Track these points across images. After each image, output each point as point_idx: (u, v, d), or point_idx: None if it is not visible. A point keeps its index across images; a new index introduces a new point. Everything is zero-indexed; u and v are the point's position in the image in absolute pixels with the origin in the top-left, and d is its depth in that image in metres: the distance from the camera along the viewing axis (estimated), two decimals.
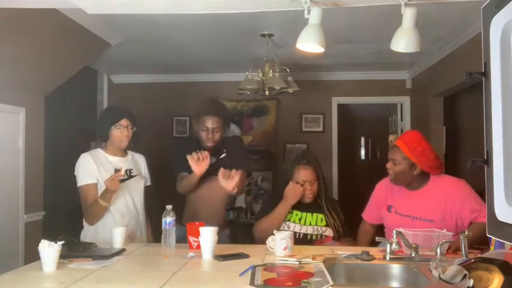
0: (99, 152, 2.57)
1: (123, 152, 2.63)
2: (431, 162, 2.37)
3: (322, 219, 2.63)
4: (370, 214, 2.65)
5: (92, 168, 2.47)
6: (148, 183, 2.73)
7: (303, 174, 2.61)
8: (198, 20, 3.52)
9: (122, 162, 2.56)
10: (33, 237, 3.23)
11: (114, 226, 2.38)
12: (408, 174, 2.39)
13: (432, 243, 2.12)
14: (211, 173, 2.74)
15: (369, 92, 5.80)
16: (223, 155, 2.80)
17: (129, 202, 2.56)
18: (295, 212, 2.64)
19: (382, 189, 2.60)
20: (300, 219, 2.62)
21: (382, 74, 5.68)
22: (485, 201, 1.19)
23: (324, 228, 2.60)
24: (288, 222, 2.61)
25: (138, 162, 2.70)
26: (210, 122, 2.75)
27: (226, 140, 2.93)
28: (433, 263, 1.61)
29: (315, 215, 2.63)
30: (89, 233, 2.49)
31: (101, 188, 2.43)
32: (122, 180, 2.42)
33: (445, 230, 2.16)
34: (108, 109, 2.62)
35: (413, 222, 2.36)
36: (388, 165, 2.44)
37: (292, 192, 2.58)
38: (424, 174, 2.40)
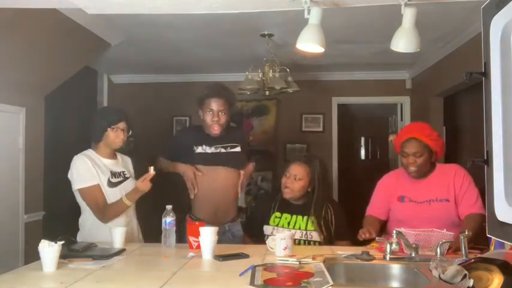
0: (92, 153, 2.54)
1: (114, 155, 2.61)
2: (444, 144, 2.50)
3: (313, 222, 2.58)
4: (376, 210, 2.61)
5: (92, 170, 2.46)
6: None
7: (292, 168, 2.61)
8: (198, 20, 3.53)
9: (115, 165, 2.57)
10: (33, 237, 3.23)
11: (112, 228, 2.39)
12: (429, 162, 2.47)
13: (432, 243, 2.12)
14: (218, 162, 2.73)
15: (369, 92, 5.80)
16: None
17: None
18: (284, 215, 2.62)
19: (388, 183, 2.62)
20: (288, 223, 2.60)
21: (382, 74, 5.68)
22: (485, 201, 1.19)
23: (313, 233, 2.56)
24: (277, 228, 2.57)
25: (127, 163, 2.70)
26: (215, 104, 2.68)
27: (232, 131, 2.89)
28: (433, 263, 1.61)
29: (305, 217, 2.59)
30: (85, 235, 2.48)
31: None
32: (119, 182, 2.50)
33: (444, 230, 2.16)
34: (106, 110, 2.60)
35: (431, 206, 2.42)
36: (411, 160, 2.43)
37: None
38: (433, 163, 2.50)
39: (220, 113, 2.69)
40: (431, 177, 2.50)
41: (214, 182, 2.73)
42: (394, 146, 2.61)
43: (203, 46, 4.40)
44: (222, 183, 2.74)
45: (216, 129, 2.70)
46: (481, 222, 2.27)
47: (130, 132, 2.57)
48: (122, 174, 2.57)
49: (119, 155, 2.66)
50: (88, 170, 2.45)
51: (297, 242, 2.51)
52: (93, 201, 2.44)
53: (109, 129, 2.49)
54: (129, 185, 2.55)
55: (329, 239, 2.57)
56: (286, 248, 2.09)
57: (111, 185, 2.49)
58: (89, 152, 2.55)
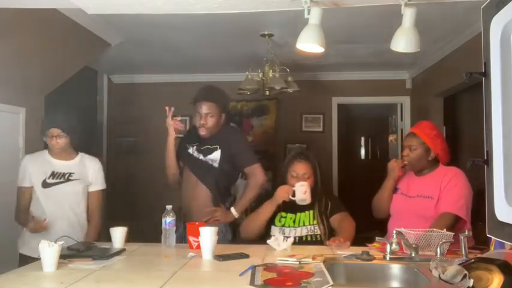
0: (44, 153, 2.65)
1: (70, 155, 2.67)
2: (444, 145, 2.54)
3: (315, 216, 2.60)
4: None
5: (27, 171, 2.59)
6: (98, 188, 2.74)
7: (298, 167, 2.61)
8: (198, 20, 3.53)
9: (65, 166, 2.63)
10: None
11: (48, 230, 2.48)
12: (424, 159, 2.51)
13: (432, 243, 2.12)
14: (195, 170, 2.76)
15: (369, 92, 5.80)
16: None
17: (65, 206, 2.59)
18: (289, 215, 2.62)
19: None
20: (294, 221, 2.60)
21: (382, 74, 5.68)
22: (485, 201, 1.19)
23: (317, 227, 2.58)
24: (283, 228, 2.58)
25: (87, 166, 2.71)
26: (203, 108, 2.70)
27: (221, 132, 2.79)
28: (433, 263, 1.61)
29: (307, 212, 2.61)
30: (25, 241, 2.61)
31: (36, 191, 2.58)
32: (56, 184, 2.57)
33: (444, 230, 2.16)
34: (46, 114, 2.82)
35: (415, 200, 2.49)
36: (405, 152, 2.55)
37: (281, 190, 2.55)
38: (435, 162, 2.53)
39: (208, 116, 2.70)
40: (429, 175, 2.54)
41: (189, 184, 2.78)
42: None
43: (203, 46, 4.40)
44: (194, 190, 2.76)
45: (202, 132, 2.73)
46: (451, 222, 2.31)
47: (66, 137, 2.58)
48: (66, 175, 2.61)
49: (80, 156, 2.70)
50: (22, 171, 2.62)
51: (304, 240, 2.54)
52: (17, 201, 2.61)
53: (45, 135, 2.59)
54: (68, 187, 2.60)
55: (325, 233, 2.57)
56: (305, 192, 2.46)
57: (46, 185, 2.56)
58: (43, 152, 2.67)
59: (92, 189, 2.72)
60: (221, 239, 2.69)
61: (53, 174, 2.58)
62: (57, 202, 2.58)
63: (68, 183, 2.60)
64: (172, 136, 2.78)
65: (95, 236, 2.67)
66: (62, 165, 2.63)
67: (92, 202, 2.72)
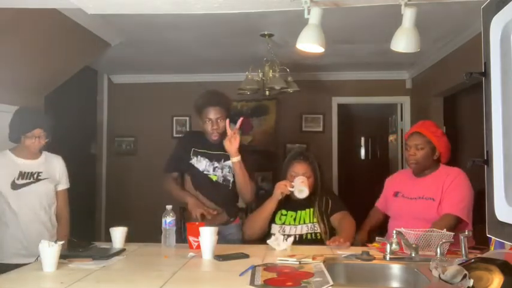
0: (7, 154, 2.52)
1: (35, 154, 2.56)
2: (448, 144, 2.53)
3: (315, 215, 2.62)
4: (380, 204, 2.75)
5: None
6: (65, 187, 2.69)
7: (297, 167, 2.63)
8: (198, 20, 3.53)
9: (32, 165, 2.52)
10: None
11: (19, 231, 2.43)
12: (430, 158, 2.50)
13: (432, 243, 2.12)
14: (209, 188, 2.77)
15: (369, 92, 5.80)
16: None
17: (36, 206, 2.51)
18: (289, 213, 2.63)
19: (391, 180, 2.75)
20: (294, 219, 2.61)
21: (382, 74, 5.68)
22: (485, 201, 1.19)
23: (317, 225, 2.59)
24: (283, 226, 2.59)
25: (52, 164, 2.63)
26: (212, 113, 2.72)
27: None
28: (433, 263, 1.61)
29: (308, 210, 2.62)
30: None
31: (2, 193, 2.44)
32: (26, 184, 2.46)
33: (444, 230, 2.16)
34: (23, 113, 2.56)
35: (417, 202, 2.47)
36: (411, 152, 2.51)
37: (279, 184, 2.58)
38: (436, 162, 2.53)
39: (218, 120, 2.73)
40: (431, 176, 2.52)
41: (213, 190, 2.78)
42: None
43: (203, 46, 4.40)
44: (211, 195, 2.78)
45: (215, 137, 2.76)
46: (453, 224, 2.30)
47: (48, 139, 2.51)
48: (34, 175, 2.52)
49: (44, 155, 2.61)
50: None
51: (304, 238, 2.54)
52: None
53: (24, 135, 2.46)
54: (40, 187, 2.52)
55: (325, 231, 2.58)
56: (303, 181, 2.50)
57: (15, 187, 2.45)
58: (5, 152, 2.52)
59: (59, 188, 2.64)
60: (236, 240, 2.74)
61: (21, 175, 2.47)
62: (29, 203, 2.48)
63: (38, 183, 2.51)
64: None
65: (66, 236, 2.56)
66: (28, 165, 2.51)
67: (61, 201, 2.65)
